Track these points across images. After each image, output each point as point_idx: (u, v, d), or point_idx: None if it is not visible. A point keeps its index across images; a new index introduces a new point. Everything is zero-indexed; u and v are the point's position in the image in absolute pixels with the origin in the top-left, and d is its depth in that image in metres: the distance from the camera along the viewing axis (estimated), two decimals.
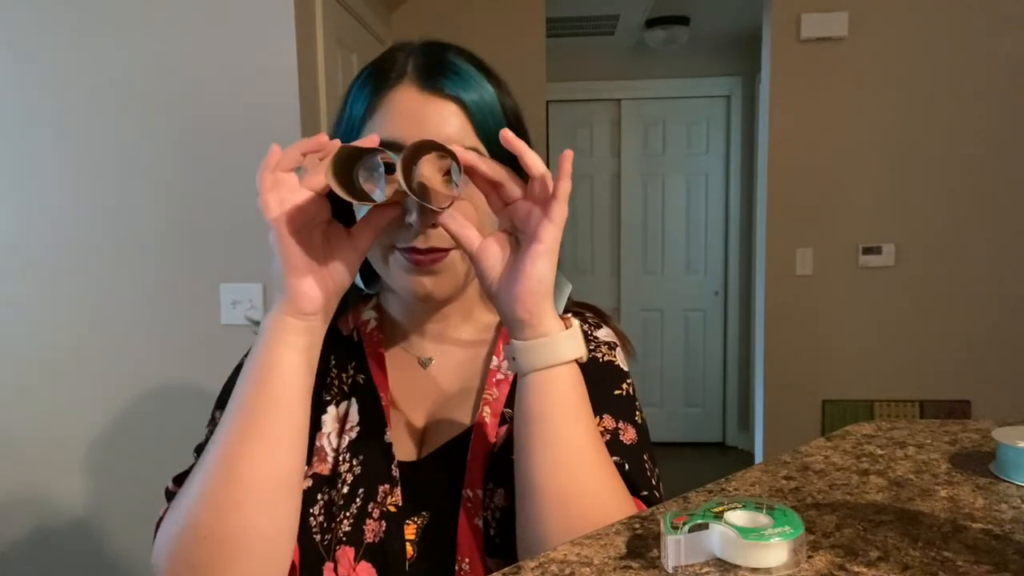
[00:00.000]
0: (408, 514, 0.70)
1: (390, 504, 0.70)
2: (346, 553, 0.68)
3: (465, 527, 0.68)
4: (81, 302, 1.84)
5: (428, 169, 0.68)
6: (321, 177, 0.60)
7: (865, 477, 0.62)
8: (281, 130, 1.75)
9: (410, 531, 0.69)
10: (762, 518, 0.48)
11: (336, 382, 0.76)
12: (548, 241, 0.61)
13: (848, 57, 2.92)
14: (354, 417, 0.74)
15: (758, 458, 3.30)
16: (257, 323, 0.82)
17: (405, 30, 2.80)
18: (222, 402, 0.76)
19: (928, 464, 0.66)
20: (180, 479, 0.72)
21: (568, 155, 0.61)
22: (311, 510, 0.69)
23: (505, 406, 0.74)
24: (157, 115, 1.79)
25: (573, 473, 0.61)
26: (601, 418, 0.71)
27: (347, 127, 0.73)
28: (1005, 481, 0.61)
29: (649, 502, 0.67)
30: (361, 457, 0.72)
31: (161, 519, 0.67)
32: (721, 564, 0.46)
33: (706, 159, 4.40)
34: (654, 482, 0.71)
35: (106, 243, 1.82)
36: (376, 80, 0.72)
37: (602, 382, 0.74)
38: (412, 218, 0.67)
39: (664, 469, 0.75)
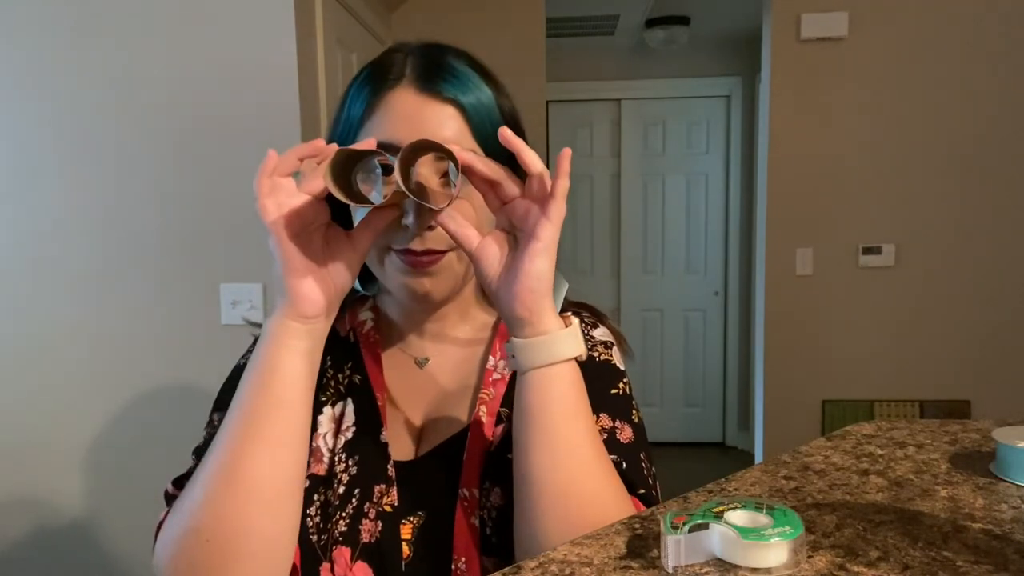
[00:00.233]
0: (404, 514, 0.70)
1: (386, 504, 0.70)
2: (342, 553, 0.68)
3: (462, 526, 0.68)
4: (81, 302, 1.84)
5: (425, 170, 0.68)
6: (319, 181, 0.60)
7: (865, 477, 0.62)
8: (281, 130, 1.75)
9: (406, 531, 0.70)
10: (762, 518, 0.48)
11: (332, 383, 0.77)
12: (546, 239, 0.61)
13: (848, 57, 2.92)
14: (350, 417, 0.74)
15: (758, 458, 3.30)
16: (254, 324, 0.83)
17: (405, 30, 2.80)
18: (220, 404, 0.76)
19: (928, 464, 0.66)
20: (179, 482, 0.72)
21: (566, 153, 0.61)
22: (307, 510, 0.69)
23: (501, 405, 0.74)
24: (157, 115, 1.79)
25: (571, 471, 0.62)
26: (598, 417, 0.71)
27: (345, 128, 0.73)
28: (1005, 481, 0.61)
29: (646, 501, 0.67)
30: (357, 457, 0.72)
31: (162, 522, 0.67)
32: (721, 564, 0.46)
33: (706, 159, 4.40)
34: (651, 481, 0.71)
35: (106, 243, 1.82)
36: (374, 81, 0.72)
37: (599, 381, 0.74)
38: (409, 220, 0.67)
39: (664, 469, 0.76)
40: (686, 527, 0.46)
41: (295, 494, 0.64)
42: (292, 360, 0.62)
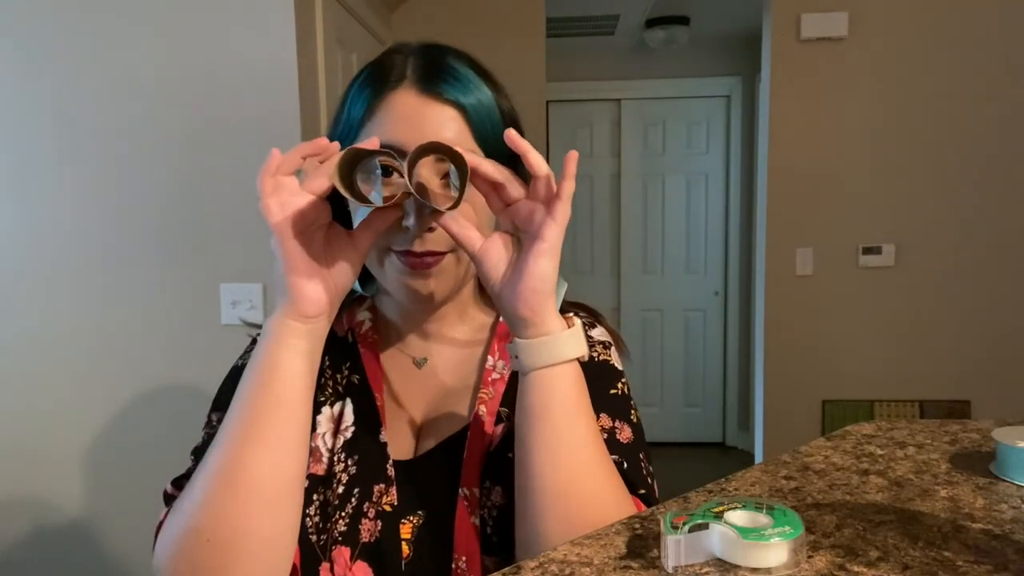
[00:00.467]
0: (404, 513, 0.70)
1: (385, 503, 0.70)
2: (342, 553, 0.68)
3: (462, 525, 0.68)
4: (81, 302, 1.83)
5: (426, 171, 0.68)
6: (323, 180, 0.60)
7: (865, 477, 0.62)
8: (281, 130, 1.75)
9: (406, 530, 0.70)
10: (762, 518, 0.48)
11: (330, 383, 0.77)
12: (551, 240, 0.62)
13: (848, 57, 2.92)
14: (349, 417, 0.74)
15: (758, 458, 3.30)
16: (251, 325, 0.82)
17: (405, 30, 2.80)
18: (218, 404, 0.76)
19: (928, 464, 0.66)
20: (179, 482, 0.72)
21: (573, 156, 0.61)
22: (307, 510, 0.69)
23: (501, 405, 0.74)
24: (157, 115, 1.79)
25: (573, 471, 0.62)
26: (598, 417, 0.71)
27: (345, 128, 0.73)
28: (1005, 481, 0.61)
29: (647, 501, 0.68)
30: (356, 457, 0.72)
31: (161, 522, 0.67)
32: (721, 564, 0.46)
33: (706, 159, 4.40)
34: (650, 481, 0.71)
35: (105, 243, 1.82)
36: (375, 82, 0.72)
37: (598, 381, 0.74)
38: (410, 221, 0.68)
39: (664, 469, 0.76)
40: (686, 527, 0.46)
41: (295, 494, 0.64)
42: (292, 359, 0.62)
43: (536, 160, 0.62)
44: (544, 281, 0.62)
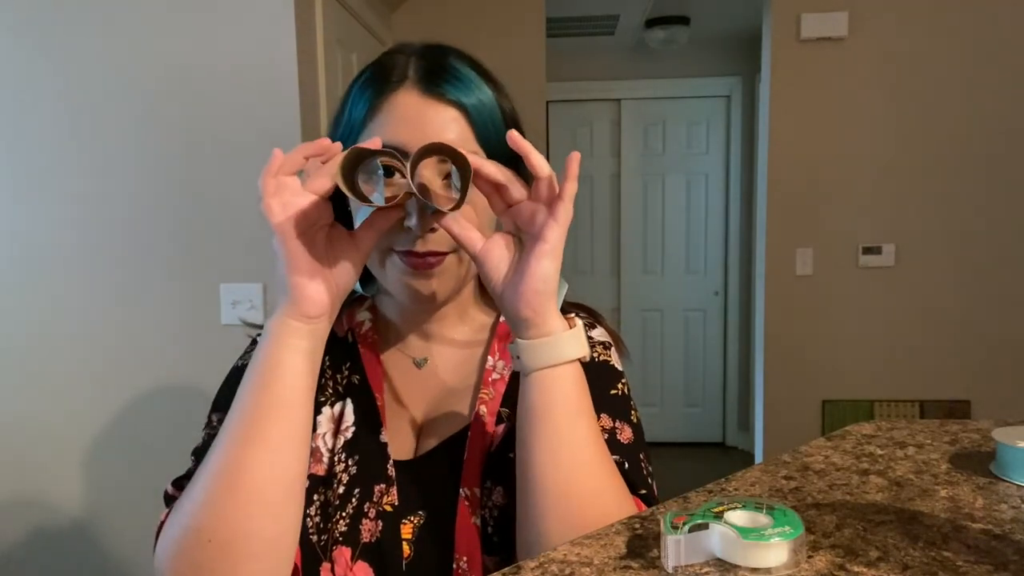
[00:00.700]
0: (404, 513, 0.70)
1: (386, 503, 0.70)
2: (343, 553, 0.68)
3: (463, 525, 0.69)
4: (81, 302, 1.83)
5: (428, 172, 0.68)
6: (325, 180, 0.61)
7: (865, 477, 0.62)
8: (281, 130, 1.75)
9: (407, 530, 0.70)
10: (762, 518, 0.48)
11: (330, 383, 0.77)
12: (553, 241, 0.62)
13: (848, 57, 2.92)
14: (349, 417, 0.74)
15: (758, 458, 3.30)
16: (251, 325, 0.82)
17: (405, 30, 2.80)
18: (218, 405, 0.76)
19: (928, 464, 0.66)
20: (179, 483, 0.72)
21: (575, 157, 0.61)
22: (307, 511, 0.69)
23: (501, 405, 0.74)
24: (157, 115, 1.79)
25: (574, 470, 0.62)
26: (598, 417, 0.71)
27: (346, 129, 0.73)
28: (1005, 481, 0.61)
29: (647, 501, 0.68)
30: (357, 457, 0.72)
31: (162, 523, 0.67)
32: (721, 564, 0.46)
33: (706, 159, 4.40)
34: (650, 481, 0.71)
35: (106, 243, 1.82)
36: (377, 83, 0.72)
37: (598, 381, 0.74)
38: (411, 221, 0.68)
39: (664, 469, 0.76)
40: (686, 527, 0.46)
41: (297, 494, 0.64)
42: (294, 360, 0.62)
43: (538, 161, 0.62)
44: (546, 282, 0.62)
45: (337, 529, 0.69)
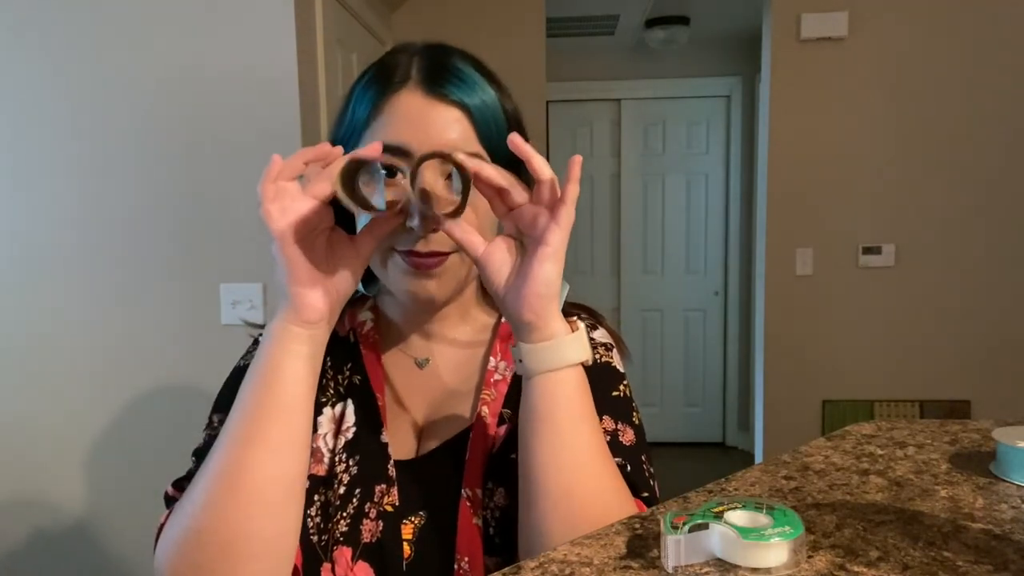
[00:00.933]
0: (405, 514, 0.70)
1: (387, 504, 0.70)
2: (343, 553, 0.68)
3: (464, 526, 0.69)
4: (81, 302, 1.83)
5: (430, 174, 0.68)
6: (325, 185, 0.60)
7: (865, 477, 0.62)
8: (281, 130, 1.75)
9: (407, 531, 0.70)
10: (762, 518, 0.48)
11: (332, 384, 0.77)
12: (556, 244, 0.62)
13: (848, 57, 2.92)
14: (350, 418, 0.74)
15: (758, 458, 3.30)
16: (252, 325, 0.82)
17: (405, 30, 2.80)
18: (220, 406, 0.76)
19: (928, 464, 0.66)
20: (179, 484, 0.73)
21: (577, 160, 0.61)
22: (308, 511, 0.69)
23: (503, 406, 0.74)
24: (157, 115, 1.79)
25: (576, 473, 0.62)
26: (601, 419, 0.71)
27: (349, 129, 0.74)
28: (1005, 481, 0.61)
29: (649, 503, 0.68)
30: (357, 457, 0.72)
31: (163, 524, 0.67)
32: (721, 564, 0.46)
33: (706, 159, 4.40)
34: (652, 483, 0.71)
35: (106, 243, 1.82)
36: (379, 83, 0.72)
37: (600, 383, 0.74)
38: (413, 222, 0.68)
39: (664, 469, 0.76)
40: (686, 527, 0.46)
41: (297, 496, 0.64)
42: (294, 364, 0.63)
43: (540, 164, 0.62)
44: (548, 285, 0.62)
45: (338, 529, 0.69)
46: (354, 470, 0.71)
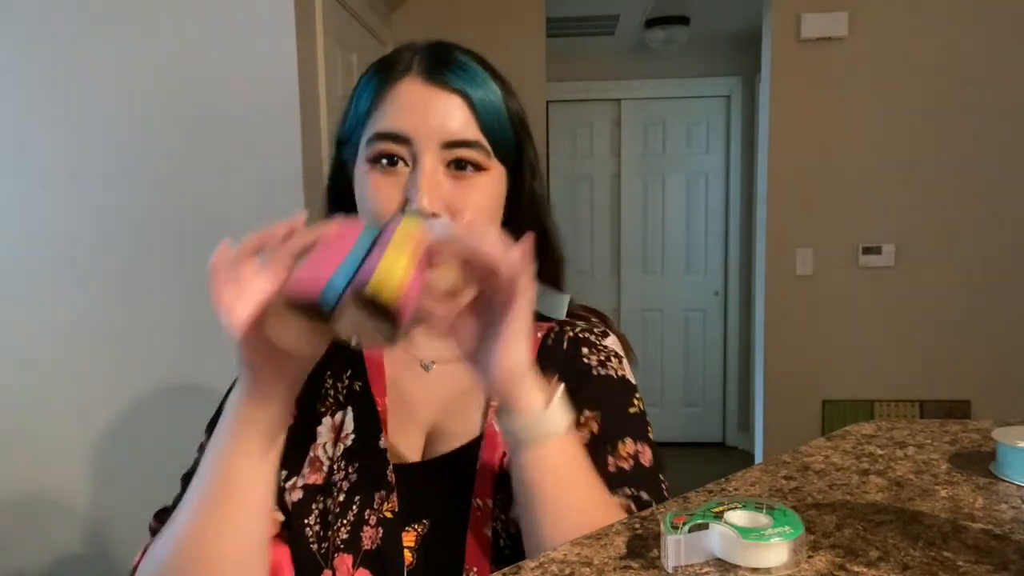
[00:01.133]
0: (407, 521, 0.69)
1: (386, 510, 0.69)
2: (344, 560, 0.68)
3: (475, 537, 0.68)
4: (82, 301, 1.83)
5: (431, 159, 0.67)
6: (280, 271, 0.56)
7: (865, 477, 0.62)
8: (281, 130, 1.75)
9: (409, 538, 0.69)
10: (762, 518, 0.48)
11: (331, 392, 0.76)
12: (517, 328, 0.59)
13: (848, 57, 2.92)
14: (349, 425, 0.73)
15: (758, 458, 3.30)
16: None
17: (405, 30, 2.80)
18: (211, 427, 0.76)
19: (928, 464, 0.66)
20: (161, 515, 0.73)
21: (527, 241, 0.58)
22: (306, 520, 0.69)
23: None
24: (157, 115, 1.79)
25: (577, 528, 0.58)
26: (623, 442, 0.70)
27: (352, 122, 0.74)
28: (1005, 481, 0.61)
29: None
30: (357, 464, 0.71)
31: (137, 564, 0.68)
32: (721, 564, 0.46)
33: (706, 159, 4.40)
34: (667, 497, 0.71)
35: (107, 242, 1.82)
36: (381, 74, 0.72)
37: (618, 400, 0.73)
38: (413, 206, 0.67)
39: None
40: (686, 527, 0.46)
41: (261, 551, 0.65)
42: (249, 445, 0.61)
43: (497, 258, 0.56)
44: (517, 364, 0.59)
45: (338, 536, 0.68)
46: (353, 477, 0.71)
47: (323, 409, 0.75)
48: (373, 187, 0.70)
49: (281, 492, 0.70)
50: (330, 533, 0.69)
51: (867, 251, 2.98)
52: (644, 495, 0.68)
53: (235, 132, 1.76)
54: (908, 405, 3.02)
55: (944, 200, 2.93)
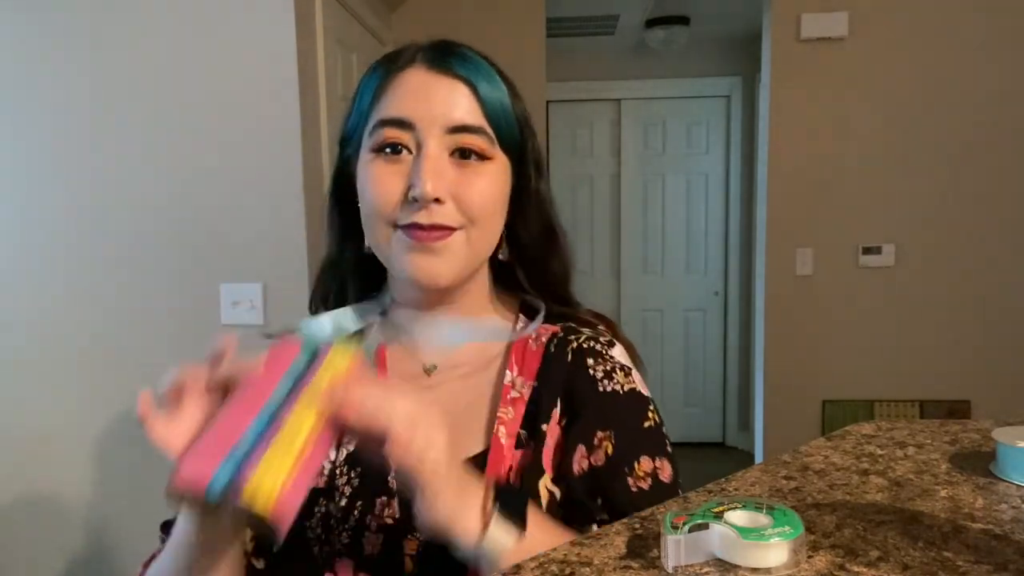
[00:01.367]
0: (409, 529, 0.68)
1: (387, 517, 0.69)
2: (345, 566, 0.68)
3: None
4: (82, 302, 1.83)
5: (435, 144, 0.67)
6: (197, 414, 0.59)
7: (865, 477, 0.62)
8: (281, 130, 1.75)
9: (411, 546, 0.68)
10: (762, 518, 0.47)
11: None
12: (429, 495, 0.56)
13: (848, 57, 2.92)
14: None
15: (758, 458, 3.30)
16: (268, 336, 0.81)
17: (405, 30, 2.80)
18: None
19: (928, 464, 0.66)
20: (167, 527, 0.72)
21: (401, 439, 0.56)
22: (308, 523, 0.69)
23: (521, 427, 0.71)
24: (157, 115, 1.79)
25: None
26: (639, 461, 0.69)
27: (356, 117, 0.73)
28: (1005, 481, 0.61)
29: None
30: (359, 469, 0.71)
31: None
32: (721, 564, 0.46)
33: (706, 159, 4.40)
34: None
35: (106, 243, 1.82)
36: (384, 68, 0.72)
37: (630, 416, 0.72)
38: (416, 191, 0.66)
39: None
40: (686, 527, 0.46)
41: None
42: (210, 539, 0.62)
43: (399, 455, 0.55)
44: (443, 521, 0.56)
45: (340, 542, 0.68)
46: (355, 482, 0.70)
47: None
48: (375, 177, 0.69)
49: None
50: (331, 537, 0.68)
51: (867, 251, 2.98)
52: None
53: (235, 132, 1.77)
54: (908, 405, 3.02)
55: (944, 200, 2.93)
